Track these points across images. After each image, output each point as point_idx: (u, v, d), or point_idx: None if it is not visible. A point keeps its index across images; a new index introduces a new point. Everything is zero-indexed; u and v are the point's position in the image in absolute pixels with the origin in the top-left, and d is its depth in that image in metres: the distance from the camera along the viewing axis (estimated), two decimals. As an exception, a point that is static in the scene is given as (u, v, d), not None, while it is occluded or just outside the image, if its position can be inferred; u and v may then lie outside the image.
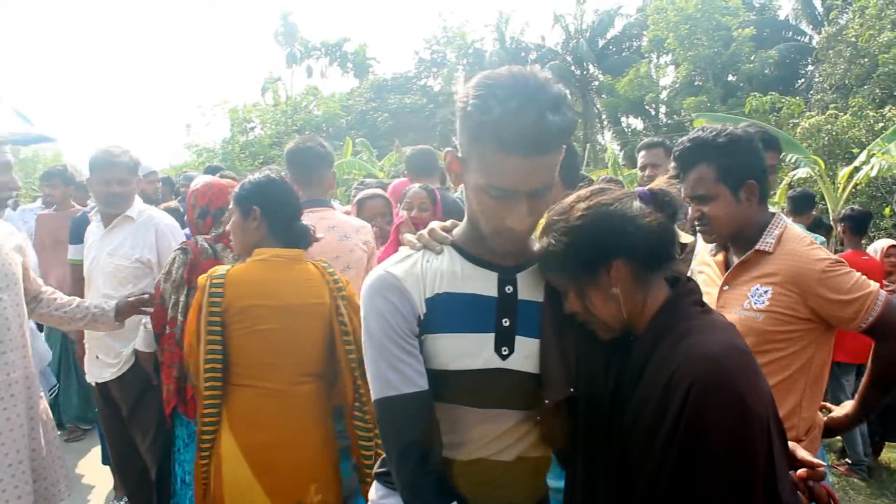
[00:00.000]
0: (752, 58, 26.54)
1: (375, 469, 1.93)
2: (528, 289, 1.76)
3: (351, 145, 22.23)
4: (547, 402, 1.66)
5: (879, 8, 19.44)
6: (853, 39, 19.51)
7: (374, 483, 1.92)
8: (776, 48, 27.50)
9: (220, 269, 2.85)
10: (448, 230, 1.85)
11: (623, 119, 34.04)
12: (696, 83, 27.84)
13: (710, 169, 2.43)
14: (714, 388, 1.46)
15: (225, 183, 3.73)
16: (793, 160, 13.22)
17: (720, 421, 1.44)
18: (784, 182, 13.60)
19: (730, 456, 1.45)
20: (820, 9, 29.16)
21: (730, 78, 28.05)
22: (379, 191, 4.58)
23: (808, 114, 16.71)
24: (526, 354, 1.71)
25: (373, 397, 1.70)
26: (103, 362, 4.08)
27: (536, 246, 1.72)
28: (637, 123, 32.22)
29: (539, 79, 1.55)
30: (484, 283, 1.74)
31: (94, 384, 4.20)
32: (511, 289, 1.74)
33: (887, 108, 14.75)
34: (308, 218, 3.23)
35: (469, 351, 1.68)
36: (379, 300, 1.71)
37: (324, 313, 2.91)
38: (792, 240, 2.46)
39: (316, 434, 2.88)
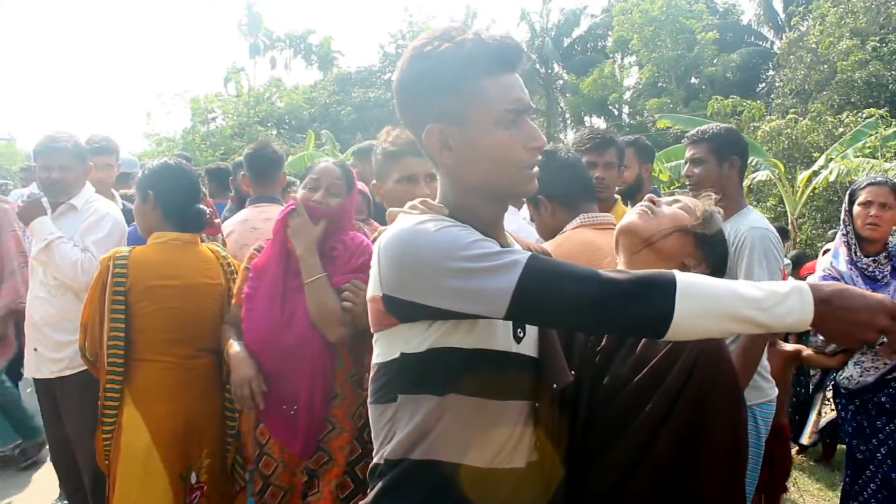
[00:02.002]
0: (714, 61, 26.86)
1: (375, 498, 1.62)
2: None
3: (313, 138, 22.07)
4: (556, 386, 1.59)
5: (839, 16, 19.79)
6: (813, 46, 19.84)
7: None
8: (738, 52, 27.88)
9: (122, 250, 3.03)
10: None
11: (586, 118, 34.22)
12: (659, 84, 28.12)
13: None
14: (720, 360, 1.67)
15: None
16: (753, 163, 13.38)
17: (726, 388, 1.66)
18: (744, 184, 13.74)
19: (733, 420, 1.64)
20: (782, 15, 29.64)
21: (692, 80, 28.39)
22: (360, 185, 4.46)
23: (768, 118, 16.93)
24: (533, 337, 1.61)
25: (512, 283, 1.39)
26: (42, 356, 3.85)
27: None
28: (600, 123, 32.41)
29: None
30: None
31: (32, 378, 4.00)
32: None
33: (845, 115, 15.00)
34: (251, 212, 3.88)
35: (491, 328, 1.52)
36: (428, 226, 1.47)
37: (219, 293, 3.16)
38: None
39: (211, 403, 3.14)
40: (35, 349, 3.86)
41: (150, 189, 3.08)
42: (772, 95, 22.77)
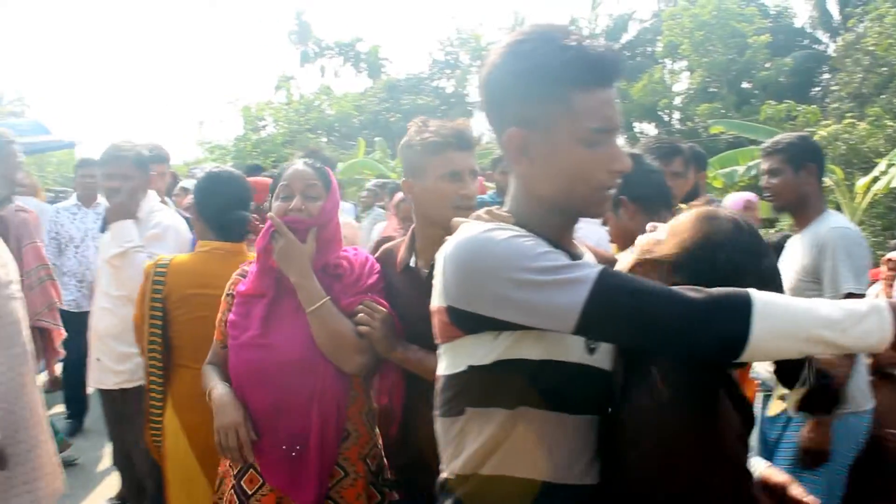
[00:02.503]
0: (767, 65, 26.39)
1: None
2: None
3: (364, 145, 22.20)
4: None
5: (898, 17, 19.31)
6: (871, 48, 19.38)
7: None
8: (792, 55, 27.32)
9: (164, 258, 3.07)
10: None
11: (636, 125, 33.86)
12: (710, 89, 27.70)
13: None
14: None
15: (263, 182, 3.76)
16: (810, 169, 13.12)
17: None
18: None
19: None
20: (837, 17, 29.00)
21: (744, 85, 27.91)
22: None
23: (824, 122, 16.60)
24: (605, 349, 1.56)
25: (583, 297, 1.35)
26: (105, 367, 3.85)
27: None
28: (650, 129, 32.05)
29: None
30: None
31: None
32: None
33: (905, 118, 14.63)
34: None
35: (565, 341, 1.47)
36: (496, 234, 1.44)
37: None
38: None
39: None
40: (98, 359, 3.86)
41: (194, 198, 3.17)
42: (827, 99, 22.30)
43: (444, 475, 1.60)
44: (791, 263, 3.37)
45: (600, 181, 1.52)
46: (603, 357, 1.56)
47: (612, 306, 1.36)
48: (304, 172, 2.50)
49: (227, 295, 2.61)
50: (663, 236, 1.62)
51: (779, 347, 1.33)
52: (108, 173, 3.84)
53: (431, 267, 2.24)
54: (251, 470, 2.43)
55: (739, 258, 1.53)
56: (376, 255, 2.68)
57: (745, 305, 1.32)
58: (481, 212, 1.63)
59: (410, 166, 2.48)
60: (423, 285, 2.22)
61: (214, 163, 21.63)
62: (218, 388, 2.47)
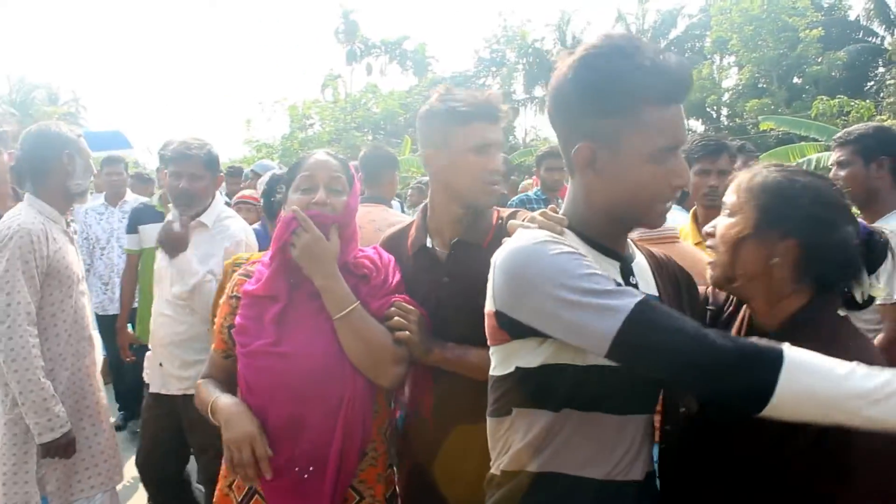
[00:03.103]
0: (819, 59, 25.86)
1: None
2: (642, 281, 1.66)
3: (409, 143, 22.29)
4: (683, 409, 1.60)
5: (957, 9, 18.79)
6: (928, 41, 18.91)
7: None
8: (845, 49, 26.74)
9: (242, 256, 2.88)
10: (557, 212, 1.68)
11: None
12: (759, 85, 27.26)
13: None
14: None
15: None
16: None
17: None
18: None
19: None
20: (895, 9, 28.31)
21: (795, 80, 27.40)
22: None
23: (878, 117, 16.23)
24: None
25: (616, 326, 1.37)
26: (168, 373, 3.69)
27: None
28: (698, 126, 31.65)
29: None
30: (611, 270, 1.59)
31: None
32: (634, 279, 1.63)
33: (963, 113, 14.24)
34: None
35: None
36: (546, 247, 1.47)
37: None
38: None
39: None
40: (160, 364, 3.75)
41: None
42: (882, 94, 21.79)
43: (492, 471, 1.65)
44: None
45: (662, 195, 1.56)
46: None
47: (643, 340, 1.38)
48: (329, 163, 2.26)
49: (231, 297, 2.33)
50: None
51: (804, 410, 1.32)
52: (176, 172, 3.67)
53: (454, 247, 2.28)
54: (256, 496, 2.20)
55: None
56: (380, 244, 2.50)
57: (775, 362, 1.31)
58: (537, 214, 1.67)
59: (432, 137, 2.30)
60: (442, 267, 2.30)
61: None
62: (223, 399, 2.17)
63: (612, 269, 1.60)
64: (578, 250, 1.50)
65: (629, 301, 1.38)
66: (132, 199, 6.50)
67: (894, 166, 3.28)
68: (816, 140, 14.70)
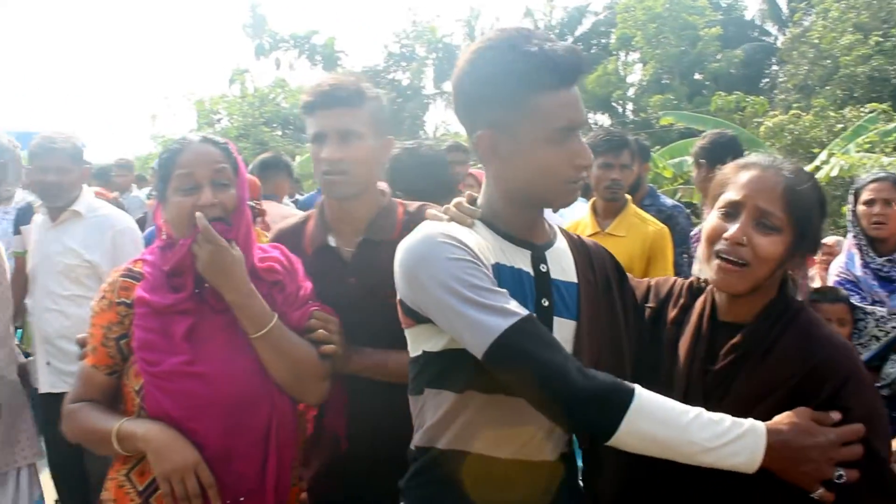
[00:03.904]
0: (718, 57, 26.78)
1: (406, 483, 1.71)
2: (557, 268, 1.70)
3: (319, 138, 22.07)
4: None
5: (841, 11, 19.74)
6: (816, 41, 19.81)
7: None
8: (742, 48, 27.76)
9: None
10: (472, 204, 1.72)
11: (590, 116, 34.14)
12: (663, 81, 28.02)
13: None
14: (865, 379, 1.65)
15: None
16: (756, 159, 13.36)
17: (873, 406, 1.61)
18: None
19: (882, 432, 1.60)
20: (785, 10, 29.52)
21: (696, 76, 28.29)
22: None
23: (771, 113, 16.92)
24: (563, 337, 1.61)
25: (489, 340, 1.45)
26: (57, 369, 3.60)
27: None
28: (604, 120, 32.31)
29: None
30: (520, 260, 1.65)
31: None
32: (545, 267, 1.67)
33: (847, 109, 15.00)
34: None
35: None
36: (443, 247, 1.53)
37: None
38: None
39: None
40: (48, 363, 3.65)
41: None
42: (775, 91, 22.74)
43: (411, 446, 1.72)
44: None
45: (566, 175, 1.63)
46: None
47: (508, 363, 1.48)
48: (209, 154, 1.97)
49: (118, 304, 2.01)
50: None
51: (643, 448, 1.47)
52: (41, 166, 3.62)
53: (361, 246, 2.20)
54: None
55: None
56: (271, 239, 2.34)
57: (624, 405, 1.43)
58: (451, 205, 1.72)
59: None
60: (348, 268, 2.21)
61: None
62: (144, 425, 1.90)
63: (522, 258, 1.66)
64: (477, 254, 1.56)
65: (505, 322, 1.46)
66: (20, 200, 6.27)
67: None
68: (715, 134, 15.22)
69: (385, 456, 1.91)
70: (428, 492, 1.66)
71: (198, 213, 1.89)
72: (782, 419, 1.50)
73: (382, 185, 2.37)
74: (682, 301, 1.82)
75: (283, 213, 4.27)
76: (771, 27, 31.12)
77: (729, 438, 1.43)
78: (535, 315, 1.52)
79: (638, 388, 1.46)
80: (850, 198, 3.88)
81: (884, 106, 13.82)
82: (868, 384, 1.67)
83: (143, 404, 1.94)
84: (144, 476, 1.96)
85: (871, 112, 13.51)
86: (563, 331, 1.64)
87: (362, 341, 2.13)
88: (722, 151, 4.06)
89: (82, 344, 2.06)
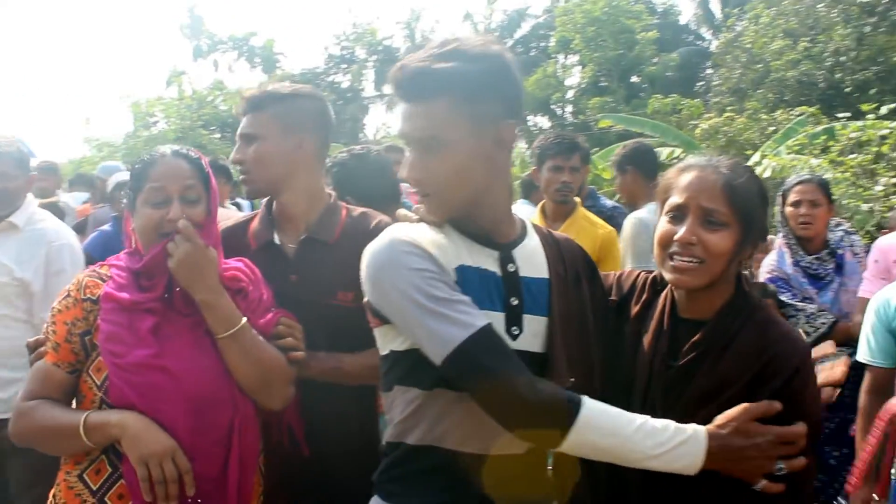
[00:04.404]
0: (654, 60, 27.27)
1: (378, 476, 1.77)
2: (527, 265, 1.73)
3: (259, 141, 21.85)
4: (573, 380, 1.66)
5: (772, 17, 20.26)
6: (748, 46, 20.26)
7: (376, 498, 1.75)
8: (677, 52, 28.32)
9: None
10: None
11: (530, 118, 34.39)
12: (601, 84, 28.41)
13: None
14: (811, 370, 1.78)
15: None
16: (692, 161, 13.64)
17: (815, 394, 1.79)
18: (684, 182, 14.04)
19: (818, 416, 1.74)
20: (719, 15, 30.19)
21: (633, 79, 28.75)
22: None
23: (706, 115, 17.26)
24: (534, 333, 1.69)
25: (446, 352, 1.54)
26: None
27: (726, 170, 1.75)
28: (544, 122, 32.62)
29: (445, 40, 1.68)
30: (487, 261, 1.69)
31: None
32: (513, 267, 1.71)
33: (778, 112, 15.39)
34: None
35: None
36: (403, 256, 1.60)
37: None
38: None
39: None
40: None
41: None
42: (709, 94, 23.21)
43: (383, 441, 1.79)
44: None
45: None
46: (529, 340, 1.69)
47: (463, 373, 1.57)
48: (180, 170, 2.03)
49: (83, 300, 2.03)
50: None
51: (593, 456, 1.57)
52: None
53: (303, 244, 2.27)
54: (120, 482, 1.93)
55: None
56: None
57: (568, 419, 1.52)
58: (418, 208, 1.78)
59: None
60: (290, 264, 2.27)
61: (102, 161, 20.93)
62: (122, 413, 1.90)
63: (488, 258, 1.70)
64: (440, 261, 1.62)
65: (461, 334, 1.53)
66: None
67: None
68: (652, 136, 15.49)
69: (337, 461, 2.06)
70: (399, 486, 1.71)
71: (182, 221, 1.98)
72: (723, 421, 1.58)
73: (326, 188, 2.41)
74: (644, 296, 1.88)
75: (223, 216, 4.14)
76: (705, 32, 31.81)
77: (671, 445, 1.52)
78: (491, 325, 1.57)
79: (586, 401, 1.53)
80: (779, 199, 4.08)
81: (812, 109, 14.22)
82: (813, 380, 1.78)
83: (107, 397, 1.96)
84: (100, 475, 1.96)
85: (800, 115, 13.91)
86: (534, 327, 1.69)
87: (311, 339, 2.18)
88: (645, 157, 4.33)
89: (34, 346, 2.07)
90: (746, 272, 1.89)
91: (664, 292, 1.84)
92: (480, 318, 1.57)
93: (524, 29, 37.04)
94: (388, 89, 36.14)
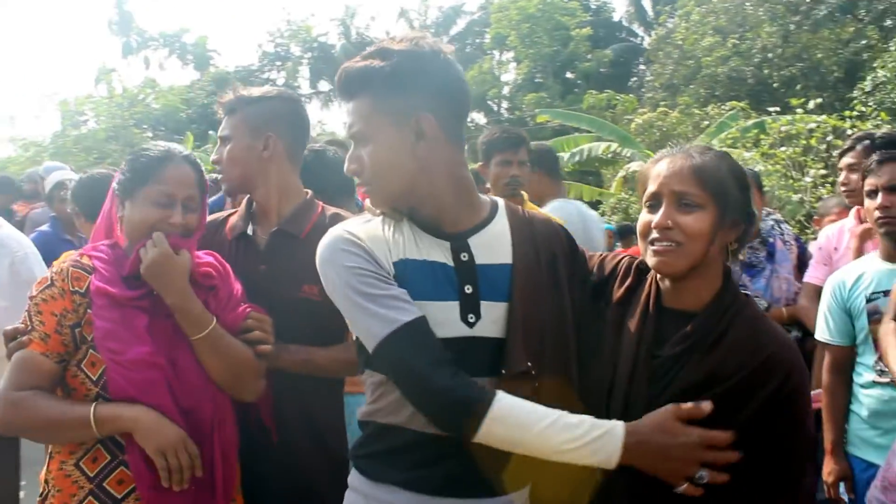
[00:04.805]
0: (588, 56, 27.69)
1: (353, 451, 1.84)
2: (487, 252, 1.75)
3: (192, 140, 21.57)
4: (504, 372, 1.67)
5: (702, 15, 20.77)
6: (680, 42, 20.75)
7: (354, 470, 1.82)
8: (611, 48, 28.84)
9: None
10: None
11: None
12: (536, 80, 28.73)
13: None
14: (805, 374, 1.73)
15: None
16: (628, 154, 13.94)
17: (806, 399, 1.72)
18: (620, 174, 14.34)
19: (809, 423, 1.72)
20: (650, 12, 30.81)
21: (568, 75, 29.14)
22: None
23: (640, 111, 17.62)
24: (493, 319, 1.70)
25: (372, 346, 1.64)
26: None
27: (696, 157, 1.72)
28: (480, 118, 32.83)
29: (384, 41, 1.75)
30: (439, 252, 1.72)
31: None
32: (467, 256, 1.73)
33: (710, 107, 15.80)
34: None
35: (433, 320, 1.65)
36: (338, 253, 1.69)
37: None
38: None
39: None
40: None
41: None
42: (643, 89, 23.68)
43: (359, 417, 1.84)
44: None
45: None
46: (489, 326, 1.70)
47: (387, 365, 1.67)
48: (189, 178, 2.12)
49: (73, 293, 2.04)
50: None
51: (507, 448, 1.61)
52: None
53: (273, 236, 2.36)
54: (121, 468, 2.01)
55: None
56: None
57: (479, 414, 1.56)
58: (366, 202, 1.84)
59: None
60: (260, 255, 2.36)
61: (29, 161, 20.40)
62: (134, 407, 1.96)
63: (440, 250, 1.73)
64: (377, 257, 1.69)
65: (385, 329, 1.61)
66: None
67: None
68: (588, 131, 15.74)
69: (303, 450, 2.22)
70: (370, 463, 1.77)
71: (157, 234, 2.04)
72: (647, 419, 1.60)
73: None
74: (628, 281, 1.85)
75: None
76: (638, 28, 32.43)
77: (586, 441, 1.55)
78: (418, 320, 1.62)
79: (500, 396, 1.58)
80: None
81: (742, 104, 14.64)
82: (806, 386, 1.74)
83: (104, 392, 2.00)
84: (97, 463, 2.02)
85: (731, 110, 14.30)
86: (494, 313, 1.70)
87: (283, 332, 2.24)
88: (549, 157, 4.54)
89: (13, 335, 2.05)
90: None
91: (649, 279, 1.82)
92: (409, 312, 1.63)
93: (459, 25, 37.24)
94: (323, 86, 36.01)
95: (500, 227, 1.81)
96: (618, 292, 1.84)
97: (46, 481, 2.08)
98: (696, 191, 1.69)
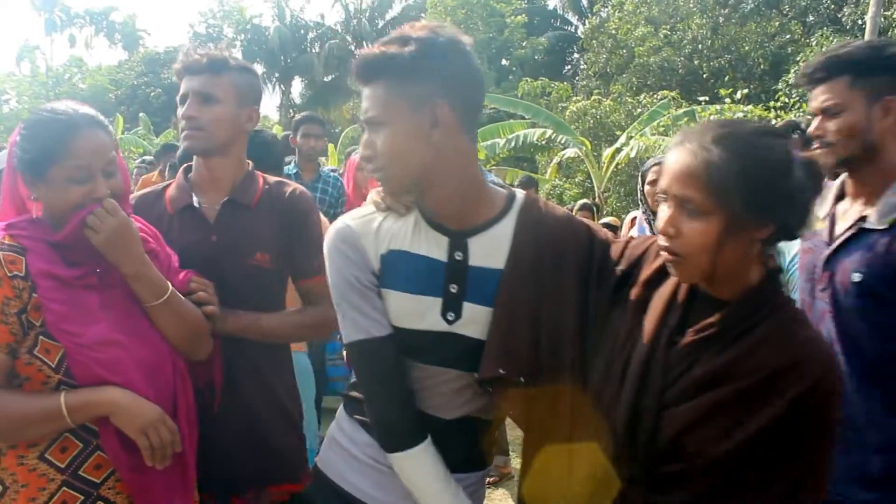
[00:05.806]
0: (523, 44, 27.90)
1: (347, 392, 2.00)
2: (483, 254, 1.74)
3: (122, 121, 21.05)
4: (476, 376, 1.69)
5: (635, 5, 21.13)
6: (613, 32, 21.05)
7: (342, 410, 1.99)
8: (546, 36, 29.12)
9: None
10: None
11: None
12: (472, 66, 28.83)
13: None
14: (836, 387, 1.49)
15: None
16: (562, 140, 14.13)
17: (835, 411, 1.49)
18: (555, 161, 14.53)
19: (829, 440, 1.50)
20: (585, 1, 31.15)
21: (503, 62, 29.33)
22: None
23: (574, 98, 17.84)
24: (475, 321, 1.72)
25: (345, 340, 1.83)
26: None
27: (695, 154, 1.48)
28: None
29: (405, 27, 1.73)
30: (436, 247, 1.75)
31: None
32: (461, 255, 1.73)
33: (643, 96, 16.11)
34: None
35: (413, 312, 1.74)
36: (335, 252, 1.79)
37: None
38: None
39: None
40: None
41: None
42: (577, 77, 24.00)
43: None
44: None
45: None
46: (468, 326, 1.74)
47: (361, 361, 1.83)
48: (104, 145, 1.95)
49: (11, 277, 1.88)
50: None
51: (408, 486, 1.79)
52: None
53: (224, 206, 2.32)
54: (97, 452, 1.95)
55: None
56: (133, 204, 2.28)
57: (398, 447, 1.77)
58: (378, 194, 1.86)
59: None
60: (211, 226, 2.31)
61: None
62: (107, 390, 1.90)
63: (438, 245, 1.75)
64: (367, 255, 1.78)
65: (352, 336, 1.78)
66: None
67: None
68: (523, 117, 15.88)
69: (257, 415, 2.30)
70: (347, 426, 1.95)
71: (110, 200, 1.92)
72: None
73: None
74: (658, 262, 1.68)
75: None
76: (572, 17, 32.77)
77: None
78: (376, 340, 1.76)
79: (423, 444, 1.76)
80: (639, 179, 4.41)
81: (673, 93, 14.98)
82: (837, 398, 1.51)
83: (68, 377, 1.89)
84: (67, 452, 1.93)
85: (662, 99, 14.61)
86: (475, 314, 1.73)
87: (221, 299, 2.22)
88: None
89: None
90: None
91: None
92: (374, 328, 1.76)
93: (395, 10, 37.13)
94: (257, 68, 35.48)
95: (504, 230, 1.77)
96: (646, 272, 1.70)
97: (1, 480, 1.93)
98: (699, 197, 1.48)
